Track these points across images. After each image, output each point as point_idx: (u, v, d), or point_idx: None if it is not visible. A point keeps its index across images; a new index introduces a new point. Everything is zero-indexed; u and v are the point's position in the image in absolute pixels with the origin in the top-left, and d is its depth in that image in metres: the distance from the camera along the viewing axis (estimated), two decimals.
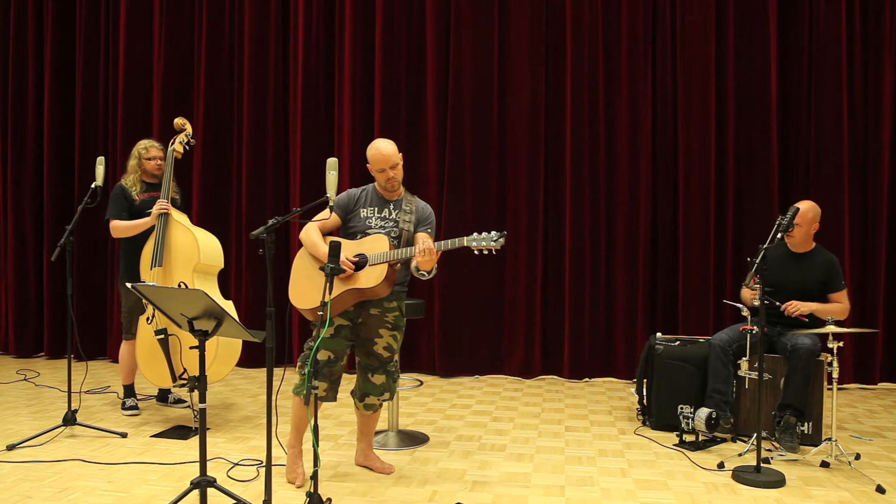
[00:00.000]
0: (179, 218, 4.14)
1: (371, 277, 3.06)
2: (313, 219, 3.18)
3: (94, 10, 6.15)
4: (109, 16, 6.14)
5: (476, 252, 3.02)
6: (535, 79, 5.55)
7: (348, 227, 3.28)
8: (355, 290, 3.07)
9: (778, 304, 3.74)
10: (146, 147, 4.30)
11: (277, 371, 5.66)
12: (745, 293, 3.91)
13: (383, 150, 3.20)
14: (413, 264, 3.10)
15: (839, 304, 3.83)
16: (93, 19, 6.15)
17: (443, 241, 3.03)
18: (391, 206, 3.27)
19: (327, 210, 3.16)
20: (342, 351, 3.18)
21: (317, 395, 2.99)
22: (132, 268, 4.18)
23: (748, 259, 4.06)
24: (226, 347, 3.98)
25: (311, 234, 3.23)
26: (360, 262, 3.08)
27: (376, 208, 3.26)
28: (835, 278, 3.86)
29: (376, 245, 3.11)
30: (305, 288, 3.20)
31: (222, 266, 4.24)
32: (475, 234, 2.99)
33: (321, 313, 2.75)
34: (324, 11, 5.80)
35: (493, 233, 2.97)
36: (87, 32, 6.13)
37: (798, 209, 3.59)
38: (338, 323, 3.16)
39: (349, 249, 3.12)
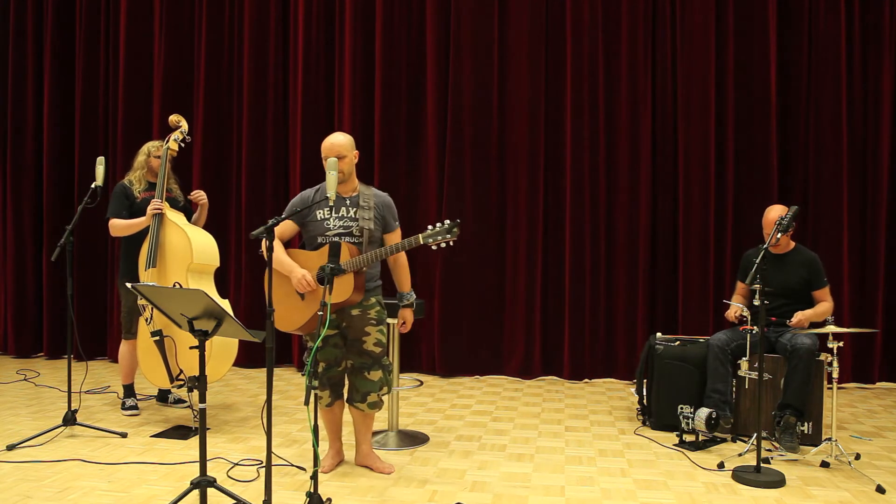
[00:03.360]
0: (174, 217, 4.10)
1: (340, 291, 3.04)
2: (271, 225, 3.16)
3: (94, 10, 6.15)
4: (110, 16, 6.13)
5: (434, 247, 3.02)
6: (535, 79, 5.55)
7: (308, 232, 3.22)
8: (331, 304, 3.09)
9: (767, 302, 3.74)
10: (157, 146, 4.30)
11: (277, 371, 5.69)
12: (729, 312, 4.01)
13: (329, 138, 3.20)
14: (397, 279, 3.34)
15: (826, 304, 3.91)
16: (93, 19, 6.14)
17: (400, 242, 3.05)
18: (348, 204, 3.21)
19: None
20: (334, 358, 3.22)
21: (317, 396, 3.03)
22: (132, 267, 4.17)
23: (748, 255, 4.13)
24: (221, 347, 3.96)
25: (277, 247, 3.14)
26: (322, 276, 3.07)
27: (333, 208, 3.19)
28: (817, 275, 3.94)
29: (340, 254, 3.08)
30: (283, 311, 3.17)
31: (218, 265, 4.18)
32: (429, 227, 2.98)
33: (321, 313, 2.74)
34: (324, 11, 5.80)
35: (447, 222, 2.96)
36: (87, 32, 6.13)
37: (798, 209, 3.59)
38: (324, 334, 3.17)
39: (312, 261, 3.10)
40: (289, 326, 3.18)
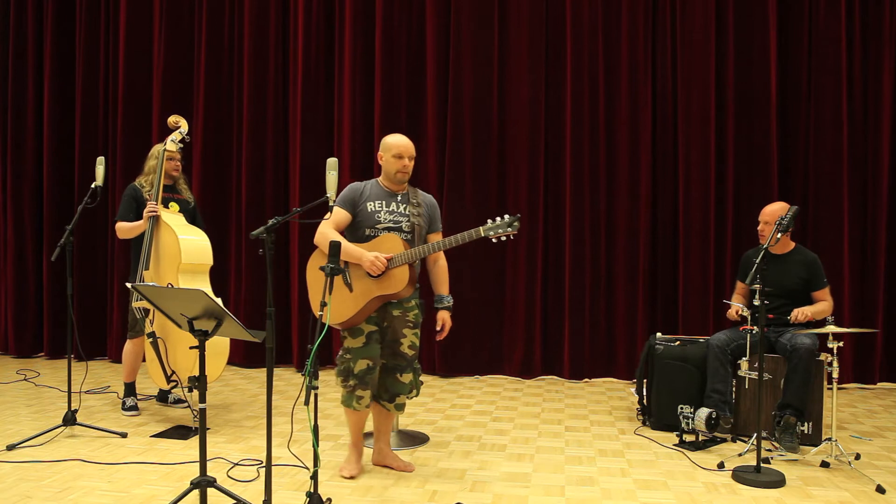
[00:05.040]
0: (168, 219, 4.07)
1: (395, 281, 3.07)
2: (324, 219, 3.09)
3: (94, 10, 6.15)
4: (109, 16, 6.14)
5: (494, 240, 3.05)
6: (535, 79, 5.55)
7: (355, 222, 3.23)
8: (382, 296, 3.09)
9: (767, 302, 3.74)
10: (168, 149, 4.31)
11: (277, 371, 5.68)
12: (730, 311, 4.01)
13: (404, 138, 3.25)
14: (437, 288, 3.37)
15: (825, 303, 3.91)
16: (93, 19, 6.15)
17: (459, 235, 3.05)
18: (398, 200, 3.26)
19: (334, 210, 3.15)
20: (377, 356, 3.19)
21: (357, 396, 3.07)
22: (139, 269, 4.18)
23: (748, 255, 4.13)
24: (209, 346, 3.92)
25: (332, 236, 3.13)
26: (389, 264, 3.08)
27: (383, 202, 3.23)
28: (817, 276, 3.94)
29: (391, 246, 3.10)
30: (334, 300, 3.13)
31: (210, 263, 4.16)
32: (489, 221, 3.02)
33: (321, 313, 2.74)
34: (324, 11, 5.81)
35: (507, 217, 3.00)
36: (87, 32, 6.13)
37: (798, 209, 3.59)
38: (367, 330, 3.16)
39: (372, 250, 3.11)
40: (337, 318, 3.14)
